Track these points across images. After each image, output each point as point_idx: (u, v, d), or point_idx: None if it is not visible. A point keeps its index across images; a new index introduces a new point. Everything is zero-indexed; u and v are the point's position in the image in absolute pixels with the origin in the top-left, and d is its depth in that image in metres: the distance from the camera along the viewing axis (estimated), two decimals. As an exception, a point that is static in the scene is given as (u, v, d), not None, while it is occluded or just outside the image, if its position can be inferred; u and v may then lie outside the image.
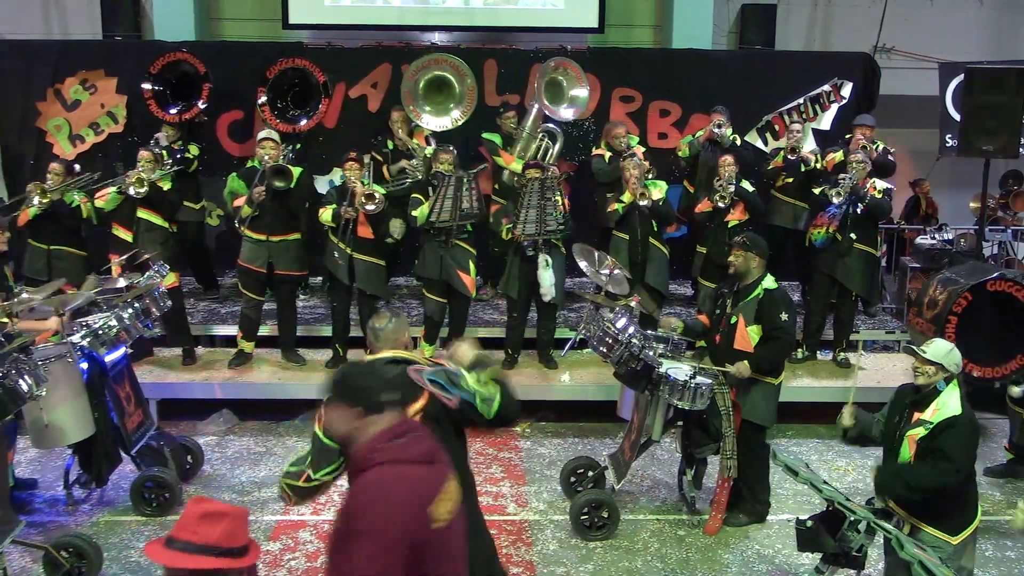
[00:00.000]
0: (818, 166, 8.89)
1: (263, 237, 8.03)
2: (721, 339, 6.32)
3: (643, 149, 9.29)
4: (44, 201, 7.94)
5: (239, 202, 8.04)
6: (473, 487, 4.11)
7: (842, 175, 8.19)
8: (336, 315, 8.27)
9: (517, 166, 8.95)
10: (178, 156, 8.81)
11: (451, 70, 9.35)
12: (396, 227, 8.80)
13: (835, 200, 8.06)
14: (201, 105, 9.39)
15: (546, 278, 7.95)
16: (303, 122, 9.64)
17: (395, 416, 3.22)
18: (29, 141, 10.25)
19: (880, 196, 8.20)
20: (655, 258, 8.37)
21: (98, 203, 8.08)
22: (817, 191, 8.39)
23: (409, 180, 8.93)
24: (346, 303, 8.25)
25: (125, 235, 8.12)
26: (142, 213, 8.07)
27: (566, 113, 9.41)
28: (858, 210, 8.12)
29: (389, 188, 8.62)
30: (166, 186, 8.14)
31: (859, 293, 8.47)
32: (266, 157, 7.98)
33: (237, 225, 8.16)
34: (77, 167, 8.68)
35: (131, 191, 7.89)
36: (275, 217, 8.01)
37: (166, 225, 8.21)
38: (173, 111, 9.38)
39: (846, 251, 8.22)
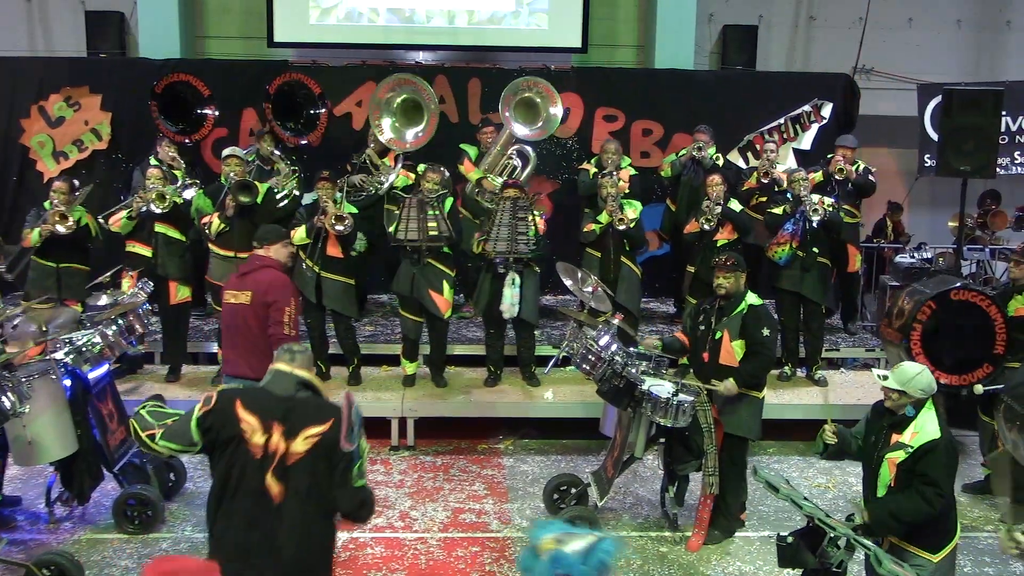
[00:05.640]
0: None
1: (231, 254, 7.98)
2: (708, 356, 6.33)
3: (633, 172, 9.18)
4: (70, 225, 7.87)
5: (206, 220, 8.01)
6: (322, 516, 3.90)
7: (802, 193, 8.23)
8: (311, 331, 8.18)
9: (475, 176, 9.02)
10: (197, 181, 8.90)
11: (423, 96, 9.22)
12: (358, 241, 8.74)
13: (815, 218, 8.12)
14: (208, 128, 9.75)
15: (507, 296, 7.92)
16: (303, 139, 9.80)
17: None
18: (12, 158, 10.23)
19: (837, 210, 8.35)
20: (626, 277, 8.38)
21: (113, 228, 8.10)
22: (779, 210, 8.39)
23: (364, 195, 8.93)
24: (319, 320, 8.20)
25: (143, 251, 8.13)
26: (160, 228, 8.12)
27: (535, 133, 9.28)
28: (814, 224, 8.20)
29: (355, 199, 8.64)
30: (179, 200, 8.18)
31: (820, 302, 8.47)
32: (232, 174, 7.98)
33: (205, 240, 8.13)
34: (77, 182, 8.66)
35: (153, 207, 7.94)
36: (242, 233, 7.87)
37: (183, 238, 8.25)
38: (169, 126, 9.44)
39: (811, 266, 8.29)
